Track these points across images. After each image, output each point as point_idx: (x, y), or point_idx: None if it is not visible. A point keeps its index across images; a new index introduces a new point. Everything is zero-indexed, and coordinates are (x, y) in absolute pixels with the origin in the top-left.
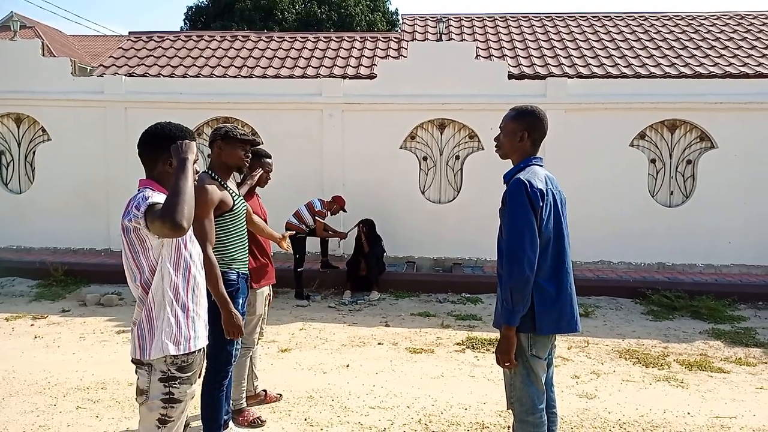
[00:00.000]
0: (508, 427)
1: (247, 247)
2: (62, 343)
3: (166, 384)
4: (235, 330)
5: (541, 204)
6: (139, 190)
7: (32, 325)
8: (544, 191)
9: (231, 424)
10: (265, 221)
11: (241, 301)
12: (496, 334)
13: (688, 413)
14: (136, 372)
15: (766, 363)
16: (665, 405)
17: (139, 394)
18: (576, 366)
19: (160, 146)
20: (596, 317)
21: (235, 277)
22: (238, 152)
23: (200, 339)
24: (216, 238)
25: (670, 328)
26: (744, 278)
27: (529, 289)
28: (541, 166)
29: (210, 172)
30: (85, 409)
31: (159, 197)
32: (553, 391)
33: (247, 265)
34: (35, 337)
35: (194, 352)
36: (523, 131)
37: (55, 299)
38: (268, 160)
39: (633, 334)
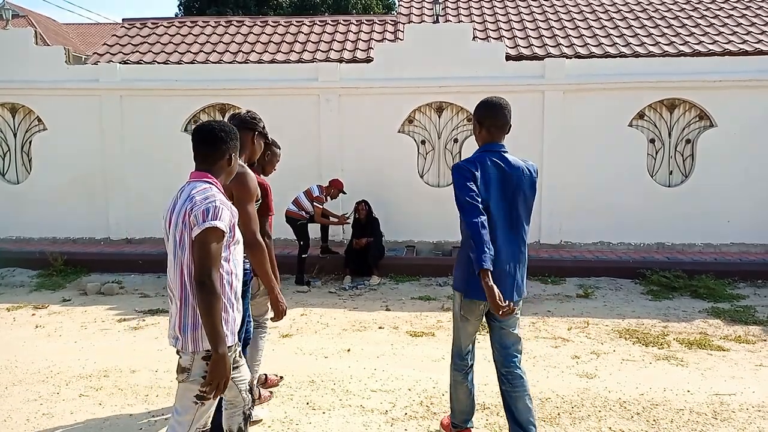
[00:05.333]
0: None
1: None
2: (64, 332)
3: (209, 361)
4: (282, 312)
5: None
6: (199, 184)
7: (33, 314)
8: (474, 172)
9: None
10: None
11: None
12: None
13: (688, 391)
14: (177, 353)
15: (765, 341)
16: (665, 383)
17: (179, 372)
18: (576, 346)
19: (223, 144)
20: (596, 298)
21: (249, 266)
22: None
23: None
24: None
25: (670, 307)
26: (743, 257)
27: (480, 235)
28: (498, 152)
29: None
30: (88, 397)
31: (224, 214)
32: (514, 354)
33: None
34: (36, 327)
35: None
36: (475, 123)
37: (55, 289)
38: (278, 150)
39: (633, 314)
